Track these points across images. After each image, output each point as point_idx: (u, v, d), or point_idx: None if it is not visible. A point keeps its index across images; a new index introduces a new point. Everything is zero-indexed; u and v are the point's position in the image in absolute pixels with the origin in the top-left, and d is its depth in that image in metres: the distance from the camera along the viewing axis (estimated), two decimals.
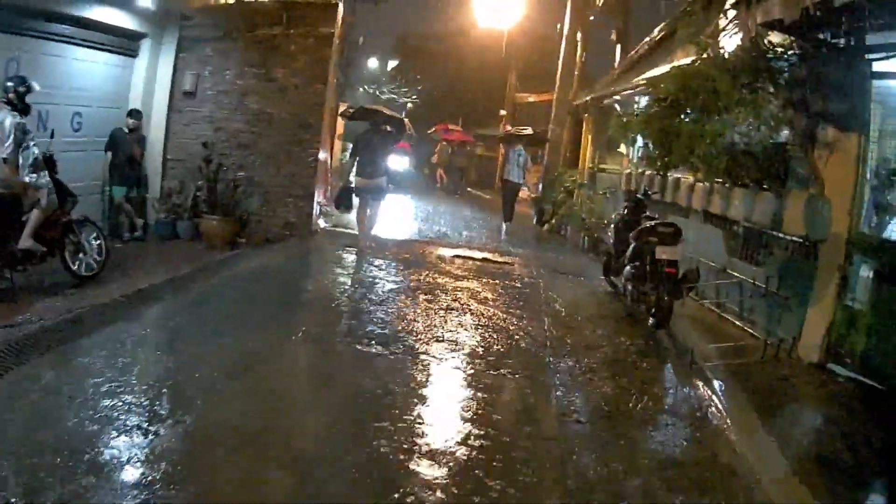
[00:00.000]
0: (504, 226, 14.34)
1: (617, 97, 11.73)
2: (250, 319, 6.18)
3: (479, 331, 6.46)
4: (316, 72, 10.40)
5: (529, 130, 15.93)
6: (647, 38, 11.77)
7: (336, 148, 19.56)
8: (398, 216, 14.44)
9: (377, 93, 56.58)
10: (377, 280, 8.09)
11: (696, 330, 7.25)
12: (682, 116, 6.99)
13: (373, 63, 63.73)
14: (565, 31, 16.72)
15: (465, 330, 6.43)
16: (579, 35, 16.52)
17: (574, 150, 16.26)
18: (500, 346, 6.05)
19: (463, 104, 30.80)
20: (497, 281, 8.65)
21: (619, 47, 15.85)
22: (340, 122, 18.62)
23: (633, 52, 12.66)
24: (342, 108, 19.41)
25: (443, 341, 5.98)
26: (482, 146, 26.14)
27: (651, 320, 7.15)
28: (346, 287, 7.57)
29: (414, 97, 44.78)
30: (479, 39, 27.52)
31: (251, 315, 6.33)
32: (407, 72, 45.92)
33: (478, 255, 10.32)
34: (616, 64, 15.19)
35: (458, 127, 25.37)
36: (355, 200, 9.91)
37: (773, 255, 7.25)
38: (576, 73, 16.37)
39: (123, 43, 9.82)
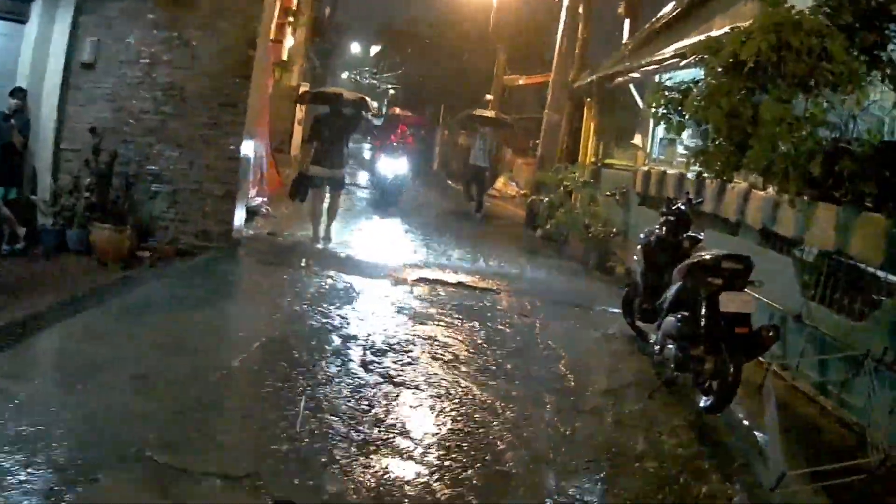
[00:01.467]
0: (477, 215, 14.27)
1: (635, 74, 9.33)
2: (77, 413, 3.72)
3: (442, 433, 4.04)
4: (242, 33, 7.95)
5: (491, 113, 16.32)
6: (673, 3, 9.38)
7: (297, 134, 17.20)
8: (351, 216, 12.01)
9: (359, 79, 54.79)
10: (300, 329, 5.59)
11: (765, 412, 4.91)
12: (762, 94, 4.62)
13: (355, 48, 62.43)
14: (565, 2, 14.26)
15: (420, 435, 4.00)
16: (581, 7, 14.07)
17: (574, 140, 13.88)
18: (473, 472, 3.63)
19: (447, 89, 28.31)
20: (475, 323, 6.23)
21: (627, 22, 13.46)
22: (303, 106, 16.31)
23: (652, 23, 10.26)
24: (303, 89, 17.27)
25: (375, 469, 3.55)
26: (465, 134, 23.53)
27: (703, 399, 4.84)
28: (248, 342, 5.10)
29: (394, 83, 42.62)
30: (465, 20, 25.23)
31: (81, 404, 3.86)
32: (389, 57, 44.05)
33: (451, 277, 7.89)
34: (625, 40, 12.80)
35: (408, 112, 22.78)
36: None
37: (883, 306, 4.93)
38: (577, 50, 13.92)
39: (9, 6, 7.93)
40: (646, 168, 9.43)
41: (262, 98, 10.14)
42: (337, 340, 5.32)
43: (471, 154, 14.84)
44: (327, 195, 9.28)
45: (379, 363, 4.94)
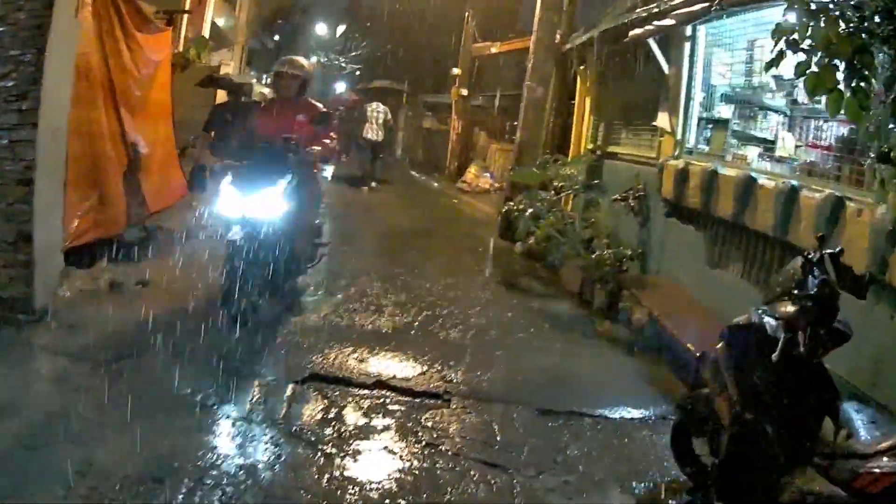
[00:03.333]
0: (371, 185, 14.46)
1: (666, 21, 6.20)
2: None
3: None
4: None
5: (383, 84, 17.33)
6: None
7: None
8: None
9: (326, 61, 52.80)
10: None
11: None
12: None
13: (322, 29, 60.31)
14: None
15: None
16: None
17: (564, 122, 10.84)
18: None
19: (411, 66, 25.10)
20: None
21: None
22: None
23: None
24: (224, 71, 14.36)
25: None
26: (431, 117, 20.32)
27: None
28: None
29: (354, 62, 39.86)
30: None
31: None
32: (353, 35, 41.90)
33: (367, 366, 4.72)
34: None
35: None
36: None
37: None
38: (566, 2, 10.83)
39: None
40: (678, 163, 6.37)
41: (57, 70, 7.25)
42: None
43: (363, 128, 14.51)
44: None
45: None
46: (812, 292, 2.58)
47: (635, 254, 7.20)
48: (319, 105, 6.16)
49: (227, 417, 3.77)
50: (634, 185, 7.54)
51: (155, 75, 8.49)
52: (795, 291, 2.64)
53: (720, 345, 3.07)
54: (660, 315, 5.90)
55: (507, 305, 6.84)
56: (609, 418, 4.38)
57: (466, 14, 16.84)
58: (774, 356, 2.52)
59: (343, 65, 45.53)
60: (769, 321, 2.71)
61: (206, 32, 15.77)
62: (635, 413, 4.47)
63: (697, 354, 4.41)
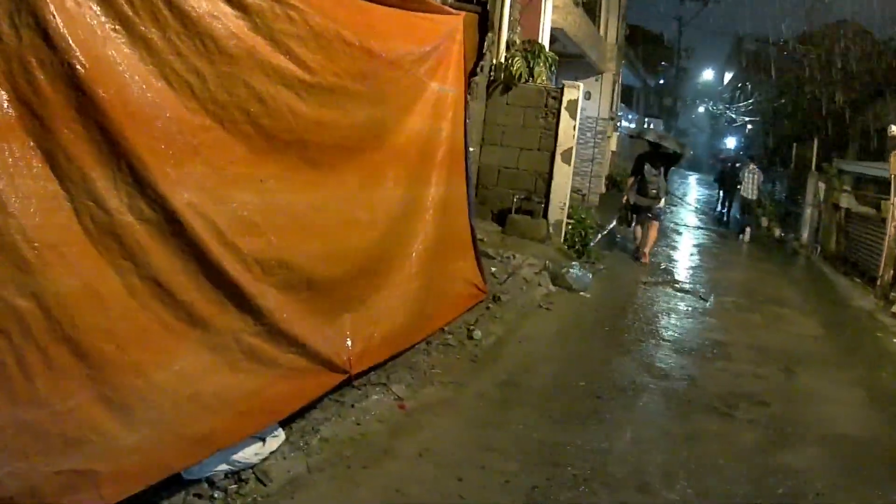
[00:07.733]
0: (744, 239, 15.46)
1: None
2: None
3: None
4: None
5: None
6: None
7: (560, 176, 10.03)
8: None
9: (713, 109, 48.77)
10: None
11: None
12: None
13: (708, 75, 56.46)
14: None
15: None
16: None
17: None
18: None
19: (827, 121, 19.63)
20: None
21: None
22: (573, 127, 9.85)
23: None
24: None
25: None
26: (849, 194, 14.49)
27: None
28: None
29: (748, 116, 35.31)
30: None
31: None
32: (744, 85, 38.37)
33: None
34: None
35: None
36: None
37: None
38: None
39: None
40: None
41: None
42: None
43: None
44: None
45: None
46: None
47: None
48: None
49: None
50: None
51: (406, 84, 5.10)
52: None
53: None
54: None
55: None
56: None
57: None
58: None
59: (733, 116, 40.69)
60: None
61: (542, 37, 11.57)
62: None
63: None
